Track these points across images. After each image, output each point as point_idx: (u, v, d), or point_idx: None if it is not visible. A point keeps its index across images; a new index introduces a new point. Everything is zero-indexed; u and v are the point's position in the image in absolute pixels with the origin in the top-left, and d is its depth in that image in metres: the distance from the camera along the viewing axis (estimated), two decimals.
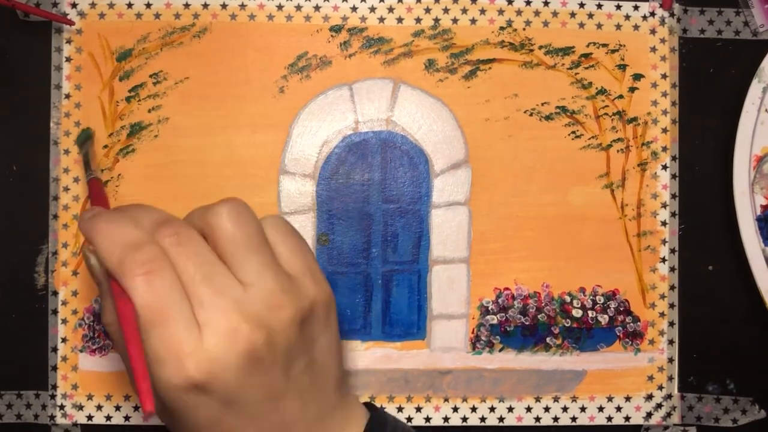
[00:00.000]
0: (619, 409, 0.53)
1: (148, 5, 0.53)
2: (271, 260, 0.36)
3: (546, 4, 0.54)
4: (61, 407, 0.52)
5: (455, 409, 0.53)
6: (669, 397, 0.54)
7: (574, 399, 0.53)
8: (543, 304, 0.53)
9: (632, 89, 0.54)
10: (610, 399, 0.53)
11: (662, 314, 0.54)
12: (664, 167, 0.54)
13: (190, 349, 0.33)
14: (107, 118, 0.52)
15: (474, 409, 0.53)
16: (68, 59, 0.52)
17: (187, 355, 0.33)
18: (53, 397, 0.52)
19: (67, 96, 0.52)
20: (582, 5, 0.54)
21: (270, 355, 0.35)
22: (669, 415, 0.53)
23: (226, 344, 0.33)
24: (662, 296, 0.54)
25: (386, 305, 0.53)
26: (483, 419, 0.53)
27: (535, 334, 0.53)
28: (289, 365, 0.36)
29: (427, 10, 0.53)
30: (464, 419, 0.53)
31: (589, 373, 0.53)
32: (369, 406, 0.43)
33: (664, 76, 0.54)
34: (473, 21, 0.54)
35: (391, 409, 0.53)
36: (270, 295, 0.35)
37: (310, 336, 0.38)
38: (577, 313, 0.53)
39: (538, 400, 0.53)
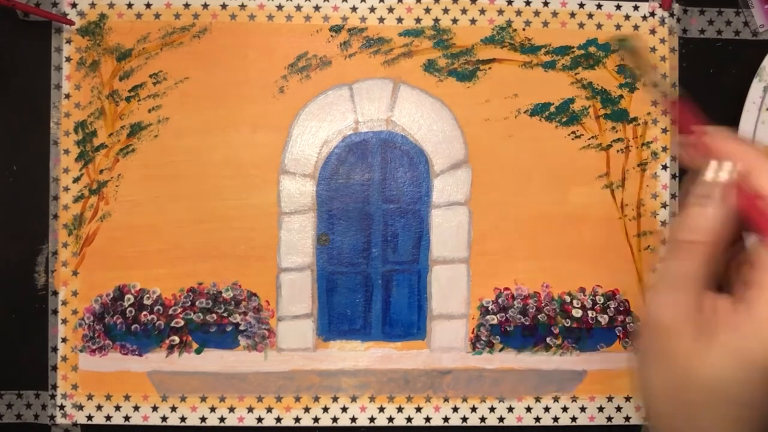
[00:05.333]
0: (619, 409, 0.53)
1: (148, 5, 0.53)
2: None
3: (546, 4, 0.54)
4: (61, 407, 0.52)
5: (455, 409, 0.53)
6: None
7: (574, 399, 0.53)
8: (543, 304, 0.53)
9: (632, 89, 0.54)
10: (610, 399, 0.53)
11: None
12: (664, 167, 0.54)
13: None
14: (107, 118, 0.52)
15: (474, 409, 0.53)
16: (68, 59, 0.52)
17: None
18: (53, 397, 0.52)
19: (67, 96, 0.52)
20: (582, 5, 0.54)
21: None
22: None
23: None
24: None
25: (386, 305, 0.53)
26: (483, 419, 0.53)
27: (535, 334, 0.53)
28: None
29: (427, 11, 0.53)
30: (464, 419, 0.53)
31: (589, 373, 0.53)
32: None
33: (664, 76, 0.54)
34: (473, 21, 0.54)
35: (391, 409, 0.53)
36: None
37: None
38: (577, 313, 0.53)
39: (538, 400, 0.53)
